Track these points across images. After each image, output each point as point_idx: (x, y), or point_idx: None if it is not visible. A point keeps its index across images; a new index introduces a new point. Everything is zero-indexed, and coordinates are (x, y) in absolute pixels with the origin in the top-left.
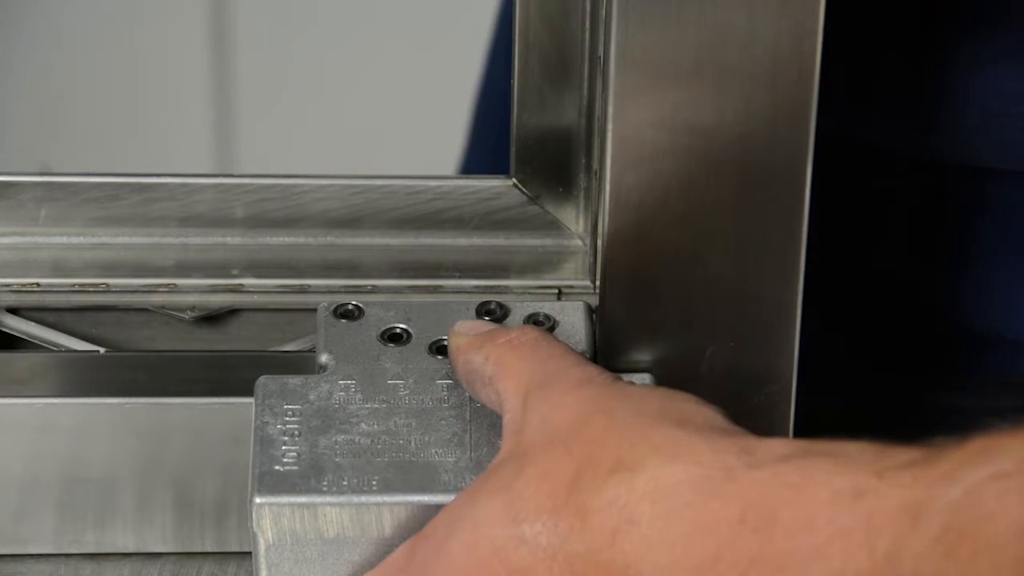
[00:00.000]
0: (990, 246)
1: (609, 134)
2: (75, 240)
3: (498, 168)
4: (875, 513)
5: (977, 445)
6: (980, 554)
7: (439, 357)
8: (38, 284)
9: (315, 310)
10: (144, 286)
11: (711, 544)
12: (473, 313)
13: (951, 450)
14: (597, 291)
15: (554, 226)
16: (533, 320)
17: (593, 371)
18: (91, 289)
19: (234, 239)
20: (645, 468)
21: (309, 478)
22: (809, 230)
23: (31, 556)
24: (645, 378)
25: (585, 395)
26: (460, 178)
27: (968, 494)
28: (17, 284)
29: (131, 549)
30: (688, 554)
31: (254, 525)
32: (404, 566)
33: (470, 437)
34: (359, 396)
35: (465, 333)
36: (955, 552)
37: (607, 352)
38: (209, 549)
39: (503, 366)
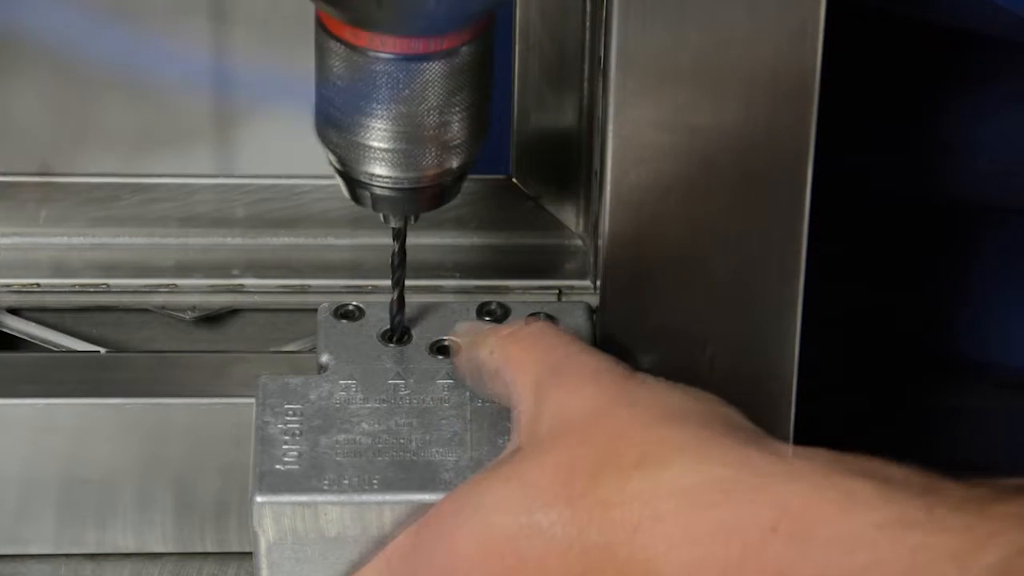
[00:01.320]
0: (988, 276)
1: (609, 134)
2: (75, 240)
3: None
4: (921, 550)
5: None
6: None
7: (439, 357)
8: (38, 284)
9: (315, 310)
10: (144, 286)
11: (737, 547)
12: (473, 313)
13: (1003, 500)
14: (597, 291)
15: (554, 226)
16: None
17: (608, 361)
18: (91, 289)
19: (234, 239)
20: (672, 465)
21: (310, 477)
22: (808, 260)
23: (31, 556)
24: None
25: (603, 385)
26: None
27: (1022, 555)
28: (17, 284)
29: (131, 549)
30: (712, 554)
31: (255, 524)
32: (408, 555)
33: (471, 436)
34: (360, 396)
35: (466, 332)
36: None
37: (607, 352)
38: (209, 549)
39: (509, 358)
